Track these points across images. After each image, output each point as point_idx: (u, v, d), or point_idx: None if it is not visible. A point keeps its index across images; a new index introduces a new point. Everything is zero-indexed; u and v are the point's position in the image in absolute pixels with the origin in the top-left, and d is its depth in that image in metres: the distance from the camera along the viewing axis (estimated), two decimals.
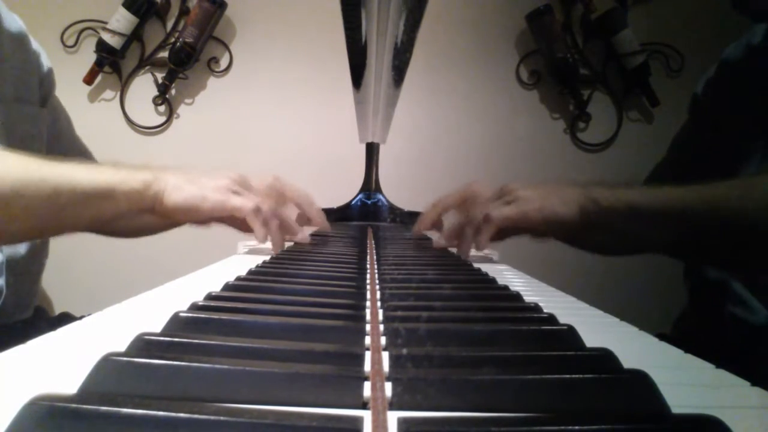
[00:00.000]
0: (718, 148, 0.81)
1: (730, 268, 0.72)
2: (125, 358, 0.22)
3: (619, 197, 0.59)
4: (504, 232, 0.67)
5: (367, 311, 0.36)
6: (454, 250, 0.75)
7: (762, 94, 0.76)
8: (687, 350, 0.31)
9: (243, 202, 0.66)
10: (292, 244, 0.79)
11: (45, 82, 0.87)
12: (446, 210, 0.79)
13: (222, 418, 0.18)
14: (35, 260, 0.85)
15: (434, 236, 0.92)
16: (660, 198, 0.59)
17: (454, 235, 0.72)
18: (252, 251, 0.81)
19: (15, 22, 0.81)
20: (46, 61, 0.88)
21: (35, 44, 0.86)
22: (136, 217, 0.64)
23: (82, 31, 1.62)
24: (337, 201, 1.28)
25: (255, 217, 0.66)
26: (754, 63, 0.80)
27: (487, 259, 0.79)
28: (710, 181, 0.58)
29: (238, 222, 0.70)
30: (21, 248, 0.78)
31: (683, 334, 0.86)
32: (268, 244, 0.74)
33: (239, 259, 0.71)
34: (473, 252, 0.75)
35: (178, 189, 0.63)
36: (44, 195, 0.54)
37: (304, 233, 0.77)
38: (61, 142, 0.90)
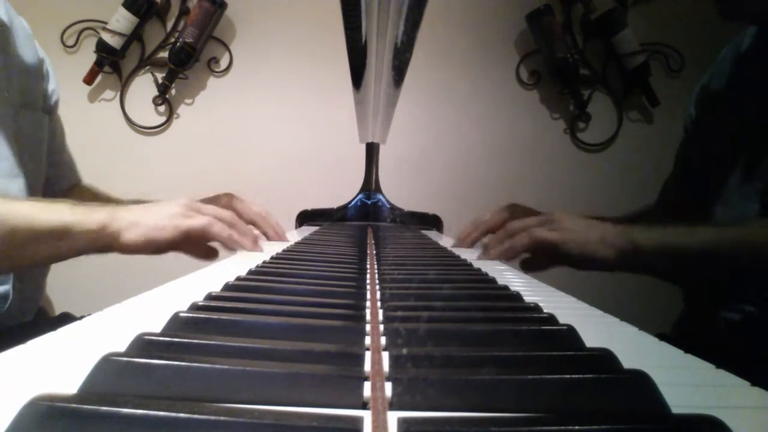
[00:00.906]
0: (713, 164, 0.81)
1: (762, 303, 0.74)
2: (125, 358, 0.22)
3: (660, 241, 0.62)
4: (540, 262, 0.69)
5: (367, 311, 0.36)
6: (464, 254, 0.75)
7: (748, 100, 0.76)
8: (687, 350, 0.31)
9: (197, 221, 0.67)
10: (291, 243, 0.79)
11: (50, 97, 0.87)
12: (487, 229, 0.80)
13: (222, 418, 0.18)
14: (42, 266, 0.85)
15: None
16: (696, 239, 0.61)
17: (492, 245, 0.72)
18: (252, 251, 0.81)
19: (24, 28, 0.82)
20: (51, 75, 0.89)
21: (41, 51, 0.86)
22: (93, 252, 0.66)
23: (82, 31, 1.62)
24: (337, 201, 1.28)
25: (212, 229, 0.67)
26: (743, 71, 0.80)
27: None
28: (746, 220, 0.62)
29: (195, 248, 0.71)
30: None
31: (683, 335, 0.86)
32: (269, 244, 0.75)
33: (239, 259, 0.71)
34: (474, 252, 0.75)
35: (134, 226, 0.65)
36: (2, 233, 0.56)
37: (258, 244, 0.76)
38: (53, 154, 0.91)
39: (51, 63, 0.90)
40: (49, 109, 0.88)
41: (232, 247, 0.70)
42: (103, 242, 0.65)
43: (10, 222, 0.57)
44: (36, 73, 0.84)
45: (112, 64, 1.61)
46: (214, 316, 0.30)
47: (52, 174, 0.91)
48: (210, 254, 0.72)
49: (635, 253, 0.63)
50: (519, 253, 0.68)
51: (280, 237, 0.83)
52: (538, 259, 0.70)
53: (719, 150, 0.80)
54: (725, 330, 0.75)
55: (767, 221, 0.64)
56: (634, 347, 0.34)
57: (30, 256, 0.61)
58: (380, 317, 0.34)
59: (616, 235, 0.64)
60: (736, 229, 0.62)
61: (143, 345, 0.25)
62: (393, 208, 1.28)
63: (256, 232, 0.80)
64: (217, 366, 0.22)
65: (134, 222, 0.65)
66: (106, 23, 1.57)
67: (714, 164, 0.80)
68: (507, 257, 0.69)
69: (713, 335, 0.78)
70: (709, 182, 0.79)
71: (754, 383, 0.26)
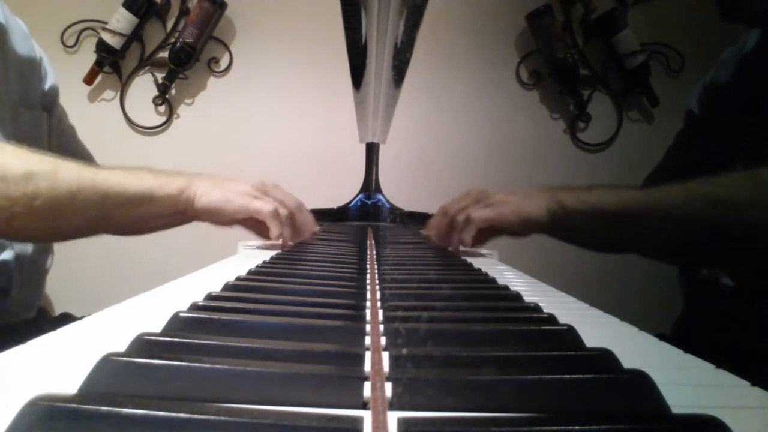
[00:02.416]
0: (710, 160, 0.82)
1: (686, 265, 0.76)
2: (125, 358, 0.22)
3: (582, 200, 0.67)
4: (485, 233, 0.73)
5: (367, 311, 0.36)
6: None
7: (751, 101, 0.76)
8: (687, 350, 0.31)
9: (263, 205, 0.71)
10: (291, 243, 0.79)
11: (49, 94, 0.88)
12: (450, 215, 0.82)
13: (222, 418, 0.18)
14: (42, 259, 0.85)
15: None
16: (618, 200, 0.65)
17: (441, 238, 0.78)
18: (252, 251, 0.81)
19: (19, 26, 0.82)
20: (50, 72, 0.89)
21: (38, 50, 0.87)
22: (169, 217, 0.70)
23: (82, 31, 1.62)
24: (337, 201, 1.28)
25: (273, 218, 0.71)
26: (747, 72, 0.80)
27: (479, 254, 0.80)
28: (667, 183, 0.63)
29: (257, 226, 0.75)
30: (29, 247, 0.79)
31: (683, 335, 0.86)
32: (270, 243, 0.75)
33: (239, 259, 0.71)
34: (473, 250, 0.76)
35: (206, 194, 0.69)
36: (95, 199, 0.61)
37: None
38: (64, 150, 0.91)
39: (51, 63, 0.90)
40: (49, 107, 0.88)
41: (275, 239, 0.74)
42: (180, 207, 0.69)
43: (101, 188, 0.61)
44: (34, 72, 0.84)
45: (112, 64, 1.61)
46: (215, 316, 0.31)
47: None
48: (266, 235, 0.75)
49: (564, 214, 0.67)
50: (471, 240, 0.71)
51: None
52: (482, 234, 0.73)
53: (720, 149, 0.80)
54: (722, 320, 0.75)
55: (685, 187, 0.65)
56: (634, 347, 0.34)
57: (118, 221, 0.65)
58: (380, 317, 0.34)
59: (546, 198, 0.69)
60: (656, 192, 0.64)
61: (143, 345, 0.25)
62: (393, 208, 1.28)
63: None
64: (217, 366, 0.22)
65: (207, 191, 0.70)
66: (106, 23, 1.57)
67: (713, 163, 0.80)
68: (465, 246, 0.73)
69: (712, 329, 0.78)
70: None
71: (754, 383, 0.26)
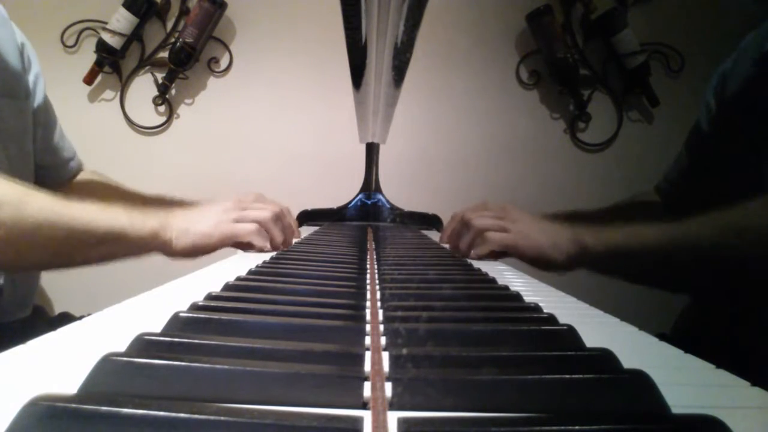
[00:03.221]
0: (729, 161, 0.79)
1: (702, 296, 0.78)
2: (125, 358, 0.22)
3: (605, 242, 0.66)
4: (498, 254, 0.73)
5: (367, 311, 0.36)
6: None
7: None
8: (687, 350, 0.31)
9: (243, 228, 0.71)
10: (291, 243, 0.79)
11: (34, 83, 0.86)
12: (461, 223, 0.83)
13: (222, 418, 0.18)
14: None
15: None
16: (642, 240, 0.65)
17: (453, 242, 0.79)
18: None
19: None
20: (34, 60, 0.86)
21: (20, 35, 0.84)
22: (141, 255, 0.69)
23: (82, 31, 1.62)
24: (337, 201, 1.28)
25: (256, 235, 0.71)
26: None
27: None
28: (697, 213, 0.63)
29: (242, 244, 0.75)
30: None
31: (683, 333, 0.85)
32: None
33: (239, 259, 0.71)
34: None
35: (184, 234, 0.68)
36: (60, 235, 0.59)
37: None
38: (47, 140, 0.90)
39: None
40: (34, 97, 0.85)
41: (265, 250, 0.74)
42: (154, 248, 0.67)
43: (68, 224, 0.59)
44: (15, 59, 0.81)
45: (112, 64, 1.61)
46: (214, 316, 0.31)
47: (50, 161, 0.90)
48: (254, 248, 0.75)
49: (585, 256, 0.66)
50: (483, 256, 0.73)
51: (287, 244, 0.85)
52: (494, 253, 0.74)
53: (740, 152, 0.76)
54: (729, 319, 0.75)
55: (707, 219, 0.65)
56: (634, 347, 0.34)
57: (85, 257, 0.64)
58: (380, 317, 0.34)
59: (566, 239, 0.67)
60: (679, 228, 0.64)
61: (143, 345, 0.25)
62: (393, 208, 1.28)
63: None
64: (217, 366, 0.22)
65: (184, 230, 0.68)
66: (106, 23, 1.57)
67: (736, 166, 0.77)
68: (474, 258, 0.73)
69: (718, 327, 0.78)
70: (730, 185, 0.77)
71: (754, 383, 0.26)
